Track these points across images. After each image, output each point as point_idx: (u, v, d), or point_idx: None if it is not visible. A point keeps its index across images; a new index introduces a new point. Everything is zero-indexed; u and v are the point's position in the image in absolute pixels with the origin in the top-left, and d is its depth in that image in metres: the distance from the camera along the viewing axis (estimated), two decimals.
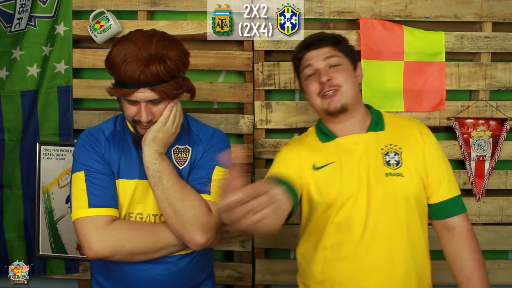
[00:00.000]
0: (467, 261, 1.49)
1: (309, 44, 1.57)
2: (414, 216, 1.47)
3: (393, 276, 1.42)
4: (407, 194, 1.46)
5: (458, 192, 1.54)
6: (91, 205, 1.43)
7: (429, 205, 1.52)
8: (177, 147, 1.54)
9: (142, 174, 1.48)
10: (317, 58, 1.54)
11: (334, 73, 1.51)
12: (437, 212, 1.52)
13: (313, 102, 1.55)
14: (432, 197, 1.51)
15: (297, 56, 1.60)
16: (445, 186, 1.51)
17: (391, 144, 1.51)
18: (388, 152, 1.49)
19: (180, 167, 1.52)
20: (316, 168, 1.51)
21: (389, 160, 1.48)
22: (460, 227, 1.51)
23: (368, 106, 1.62)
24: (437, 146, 1.55)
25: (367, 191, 1.45)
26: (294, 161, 1.54)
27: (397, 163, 1.48)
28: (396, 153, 1.49)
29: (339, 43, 1.57)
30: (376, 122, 1.55)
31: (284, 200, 1.38)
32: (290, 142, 1.66)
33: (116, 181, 1.49)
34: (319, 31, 1.75)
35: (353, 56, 1.60)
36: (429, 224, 1.54)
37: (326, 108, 1.51)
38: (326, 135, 1.56)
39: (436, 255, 1.63)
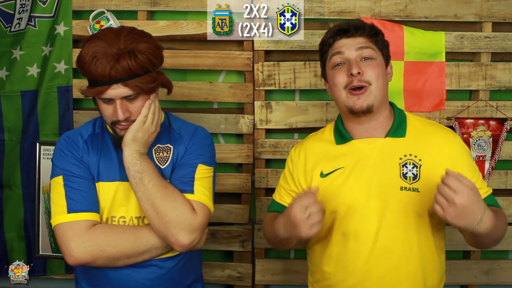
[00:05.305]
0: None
1: (343, 30, 1.43)
2: (427, 231, 1.40)
3: None
4: (421, 211, 1.37)
5: (490, 191, 1.42)
6: (70, 210, 1.38)
7: None
8: (158, 146, 1.49)
9: (122, 176, 1.44)
10: (350, 47, 1.41)
11: (365, 67, 1.39)
12: None
13: (337, 95, 1.43)
14: None
15: (327, 41, 1.46)
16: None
17: (410, 155, 1.40)
18: (406, 164, 1.39)
19: (162, 167, 1.48)
20: (323, 176, 1.46)
21: (406, 173, 1.39)
22: None
23: (391, 105, 1.51)
24: (464, 152, 1.44)
25: (380, 203, 1.38)
26: (299, 169, 1.51)
27: (415, 177, 1.38)
28: (414, 165, 1.39)
29: (376, 35, 1.45)
30: (397, 126, 1.45)
31: None
32: (303, 144, 1.57)
33: (96, 184, 1.44)
34: (348, 22, 1.55)
35: (387, 52, 1.49)
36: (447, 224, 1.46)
37: (351, 106, 1.40)
38: (342, 137, 1.48)
39: None
